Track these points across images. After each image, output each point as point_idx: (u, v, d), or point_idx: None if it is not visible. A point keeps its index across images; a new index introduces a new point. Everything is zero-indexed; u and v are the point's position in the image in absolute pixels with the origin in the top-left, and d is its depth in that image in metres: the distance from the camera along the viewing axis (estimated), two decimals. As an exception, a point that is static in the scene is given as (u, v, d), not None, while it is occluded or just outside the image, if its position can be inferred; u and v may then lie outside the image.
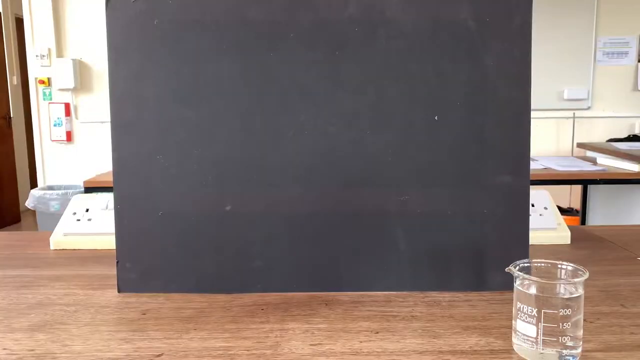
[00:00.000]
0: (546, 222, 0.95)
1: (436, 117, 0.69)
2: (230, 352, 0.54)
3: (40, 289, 0.73)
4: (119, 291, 0.71)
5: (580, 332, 0.52)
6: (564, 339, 0.51)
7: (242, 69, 0.69)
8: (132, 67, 0.69)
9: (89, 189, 2.46)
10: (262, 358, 0.53)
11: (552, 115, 4.14)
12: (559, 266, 0.56)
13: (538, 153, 3.80)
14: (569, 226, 0.96)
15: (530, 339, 0.52)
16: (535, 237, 0.92)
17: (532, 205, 0.96)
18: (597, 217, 3.06)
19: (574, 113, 4.16)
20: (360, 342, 0.57)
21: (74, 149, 4.33)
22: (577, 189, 3.56)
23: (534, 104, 0.69)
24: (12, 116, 5.08)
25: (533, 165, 2.61)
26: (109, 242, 0.91)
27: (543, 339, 0.51)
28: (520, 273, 0.54)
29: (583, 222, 3.07)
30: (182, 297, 0.69)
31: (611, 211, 3.06)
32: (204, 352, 0.54)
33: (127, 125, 0.70)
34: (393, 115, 0.69)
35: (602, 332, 0.58)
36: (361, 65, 0.69)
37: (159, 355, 0.54)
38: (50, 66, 4.19)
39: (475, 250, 0.70)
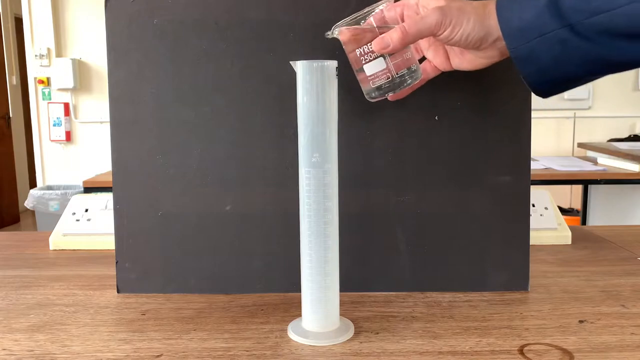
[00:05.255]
0: (547, 222, 0.95)
1: (436, 117, 0.69)
2: (230, 353, 0.54)
3: (40, 289, 0.73)
4: (118, 291, 0.71)
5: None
6: (408, 55, 0.56)
7: (242, 69, 0.69)
8: (131, 67, 0.69)
9: (88, 189, 2.46)
10: (262, 358, 0.53)
11: (553, 115, 4.14)
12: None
13: (539, 153, 3.80)
14: (569, 226, 0.96)
15: (383, 73, 0.56)
16: (536, 237, 0.92)
17: (533, 205, 0.96)
18: (598, 217, 3.06)
19: (574, 113, 4.16)
20: (360, 342, 0.57)
21: (74, 149, 4.33)
22: (578, 189, 3.56)
23: (534, 103, 0.69)
24: (11, 116, 5.08)
25: (534, 165, 2.61)
26: (109, 242, 0.91)
27: (393, 64, 0.55)
28: (337, 26, 0.57)
29: (584, 222, 3.07)
30: (182, 298, 0.69)
31: (612, 211, 3.06)
32: (203, 352, 0.54)
33: (127, 125, 0.70)
34: (393, 115, 0.69)
35: (603, 333, 0.58)
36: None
37: (158, 356, 0.54)
38: (49, 66, 4.19)
39: (475, 250, 0.70)
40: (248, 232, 0.70)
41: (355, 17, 0.57)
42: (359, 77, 0.60)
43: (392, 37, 0.54)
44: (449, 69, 0.60)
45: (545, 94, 0.55)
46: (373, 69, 0.57)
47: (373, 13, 0.56)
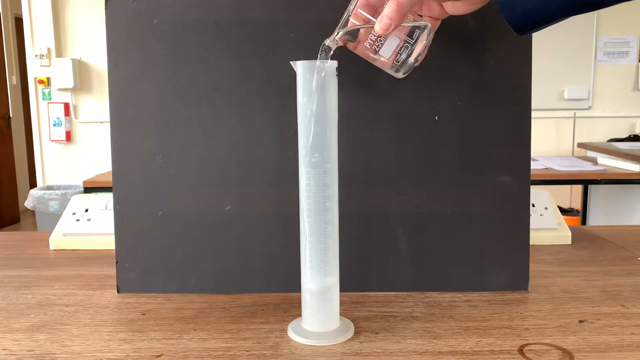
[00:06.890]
0: (547, 222, 0.95)
1: (436, 117, 0.69)
2: (230, 353, 0.54)
3: (40, 289, 0.73)
4: (118, 291, 0.71)
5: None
6: (409, 18, 0.56)
7: (242, 69, 0.69)
8: (131, 67, 0.69)
9: (88, 189, 2.46)
10: (262, 358, 0.53)
11: (553, 115, 4.14)
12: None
13: (539, 153, 3.80)
14: (569, 226, 0.96)
15: (401, 45, 0.57)
16: (536, 237, 0.92)
17: (533, 206, 0.96)
18: (598, 217, 3.06)
19: (574, 113, 4.17)
20: (360, 342, 0.57)
21: (74, 149, 4.34)
22: (578, 189, 3.57)
23: (534, 103, 0.69)
24: (11, 116, 5.08)
25: (534, 165, 2.62)
26: (109, 242, 0.91)
27: (403, 32, 0.56)
28: (333, 37, 0.56)
29: (584, 222, 3.07)
30: (182, 298, 0.69)
31: (612, 211, 3.07)
32: (203, 352, 0.54)
33: (127, 125, 0.70)
34: (393, 114, 0.69)
35: (602, 333, 0.58)
36: (361, 65, 0.68)
37: (158, 356, 0.54)
38: (49, 66, 4.19)
39: (475, 250, 0.70)
40: (248, 232, 0.70)
41: (343, 19, 0.57)
42: (378, 63, 0.60)
43: (390, 14, 0.53)
44: (445, 16, 0.61)
45: (523, 33, 0.57)
46: (390, 49, 0.58)
47: (356, 4, 0.57)
